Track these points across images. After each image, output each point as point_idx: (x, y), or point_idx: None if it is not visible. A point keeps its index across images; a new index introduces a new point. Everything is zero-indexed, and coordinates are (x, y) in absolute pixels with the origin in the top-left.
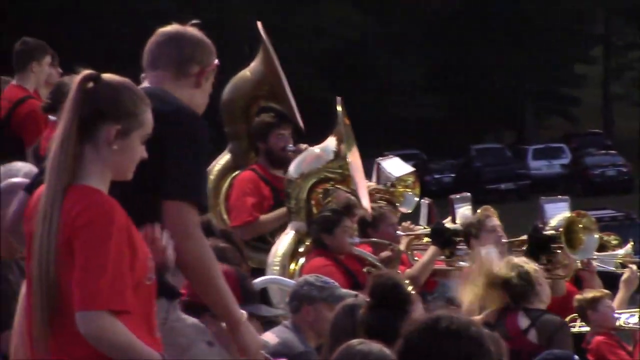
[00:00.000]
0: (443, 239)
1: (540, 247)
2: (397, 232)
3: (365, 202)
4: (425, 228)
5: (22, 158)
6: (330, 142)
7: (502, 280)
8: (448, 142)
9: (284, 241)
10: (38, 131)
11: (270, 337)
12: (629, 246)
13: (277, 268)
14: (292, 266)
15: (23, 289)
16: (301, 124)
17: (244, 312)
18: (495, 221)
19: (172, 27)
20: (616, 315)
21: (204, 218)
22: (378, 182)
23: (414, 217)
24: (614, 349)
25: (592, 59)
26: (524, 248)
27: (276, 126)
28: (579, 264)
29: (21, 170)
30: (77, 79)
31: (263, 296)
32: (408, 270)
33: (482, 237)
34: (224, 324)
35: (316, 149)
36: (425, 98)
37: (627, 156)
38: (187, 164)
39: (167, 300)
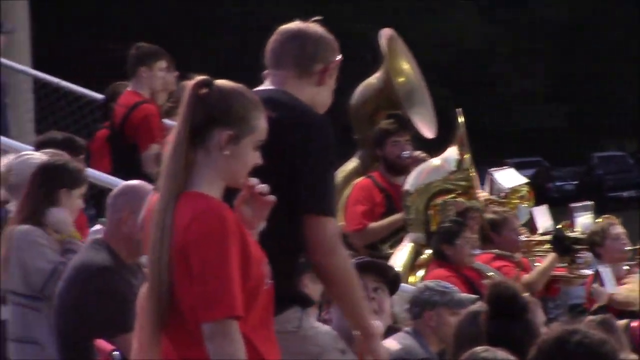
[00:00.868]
0: (563, 246)
1: None
2: (519, 237)
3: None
4: (543, 235)
5: (137, 163)
6: (452, 153)
7: None
8: (570, 150)
9: (403, 252)
10: (152, 136)
11: (391, 343)
12: None
13: None
14: (411, 279)
15: (142, 292)
16: (426, 132)
17: (379, 323)
18: (619, 229)
19: (294, 25)
20: None
21: None
22: (491, 192)
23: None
24: None
25: None
26: None
27: (392, 133)
28: None
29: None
30: (190, 84)
31: None
32: (526, 276)
33: (606, 245)
34: (357, 333)
35: (436, 160)
36: (547, 106)
37: None
38: (321, 174)
39: (301, 308)
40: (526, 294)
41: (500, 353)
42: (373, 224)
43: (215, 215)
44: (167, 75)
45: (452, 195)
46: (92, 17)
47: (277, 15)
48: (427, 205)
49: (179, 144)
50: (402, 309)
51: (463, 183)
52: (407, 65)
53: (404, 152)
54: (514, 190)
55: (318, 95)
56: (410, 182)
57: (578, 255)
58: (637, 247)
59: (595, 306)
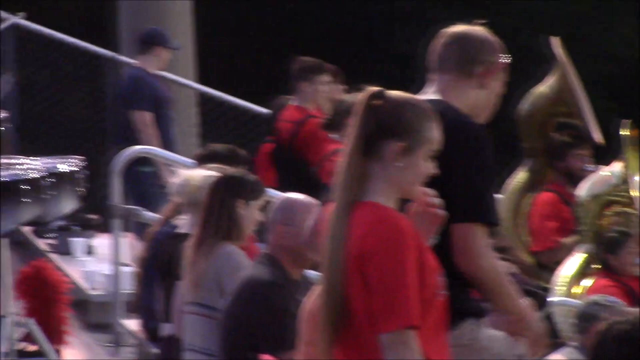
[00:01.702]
0: None
1: None
2: None
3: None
4: None
5: (307, 178)
6: (618, 165)
7: None
8: None
9: (573, 262)
10: (320, 150)
11: (558, 358)
12: None
13: (562, 289)
14: (575, 289)
15: (307, 306)
16: (600, 140)
17: (527, 301)
18: None
19: (458, 28)
20: None
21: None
22: None
23: None
24: None
25: None
26: None
27: (575, 146)
28: None
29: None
30: (362, 95)
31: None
32: None
33: None
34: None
35: (605, 171)
36: None
37: None
38: (474, 183)
39: (475, 319)
40: None
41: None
42: (565, 240)
43: (392, 224)
44: (331, 88)
45: (619, 207)
46: (255, 31)
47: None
48: (598, 216)
49: (352, 154)
50: (567, 323)
51: (626, 194)
52: (575, 76)
53: (587, 165)
54: None
55: (478, 99)
56: (582, 193)
57: None
58: None
59: None
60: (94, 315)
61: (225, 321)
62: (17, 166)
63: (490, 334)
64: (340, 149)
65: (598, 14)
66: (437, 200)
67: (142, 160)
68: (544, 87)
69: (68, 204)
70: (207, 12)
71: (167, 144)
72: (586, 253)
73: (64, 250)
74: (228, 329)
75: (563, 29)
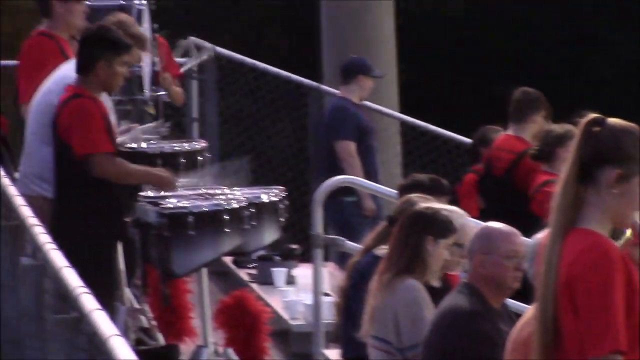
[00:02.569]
0: None
1: None
2: None
3: None
4: None
5: (520, 209)
6: None
7: None
8: None
9: None
10: (535, 181)
11: None
12: None
13: None
14: None
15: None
16: None
17: None
18: None
19: None
20: None
21: None
22: None
23: None
24: None
25: None
26: None
27: None
28: None
29: None
30: (582, 121)
31: None
32: None
33: None
34: None
35: None
36: None
37: None
38: None
39: None
40: None
41: None
42: None
43: (601, 250)
44: (545, 119)
45: None
46: (456, 60)
47: None
48: None
49: (568, 180)
50: None
51: None
52: None
53: None
54: None
55: None
56: None
57: None
58: None
59: None
60: (295, 345)
61: (425, 351)
62: (218, 196)
63: None
64: (552, 180)
65: None
66: None
67: (346, 190)
68: None
69: (269, 234)
70: (410, 42)
71: (370, 174)
72: None
73: (265, 280)
74: (429, 359)
75: None
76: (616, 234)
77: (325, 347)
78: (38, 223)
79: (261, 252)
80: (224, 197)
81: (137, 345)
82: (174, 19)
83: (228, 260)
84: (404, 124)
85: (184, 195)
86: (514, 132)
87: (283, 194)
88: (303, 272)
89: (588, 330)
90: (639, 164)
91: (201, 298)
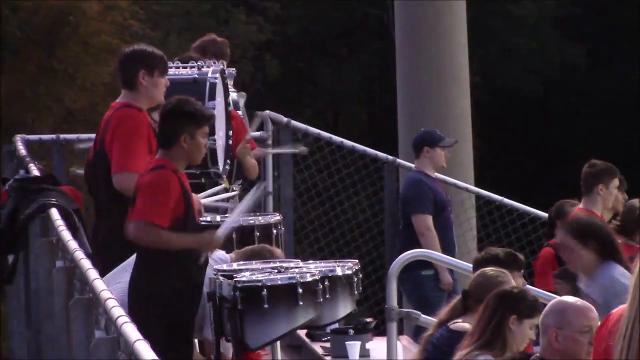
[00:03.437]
0: None
1: None
2: None
3: None
4: None
5: None
6: None
7: None
8: None
9: None
10: None
11: None
12: None
13: None
14: None
15: None
16: None
17: None
18: None
19: None
20: None
21: None
22: None
23: None
24: None
25: None
26: None
27: None
28: None
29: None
30: None
31: None
32: None
33: None
34: None
35: None
36: None
37: None
38: None
39: None
40: None
41: None
42: None
43: None
44: (618, 194)
45: None
46: (530, 135)
47: None
48: None
49: None
50: None
51: None
52: None
53: None
54: None
55: None
56: None
57: None
58: None
59: None
60: None
61: None
62: (293, 269)
63: None
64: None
65: None
66: None
67: (423, 264)
68: None
69: (344, 307)
70: (486, 118)
71: (447, 248)
72: None
73: (339, 353)
74: None
75: None
76: None
77: None
78: (112, 296)
79: (335, 326)
80: (297, 270)
81: None
82: (251, 94)
83: (302, 333)
84: (479, 197)
85: (258, 269)
86: (584, 204)
87: (357, 267)
88: (377, 346)
89: None
90: None
91: None
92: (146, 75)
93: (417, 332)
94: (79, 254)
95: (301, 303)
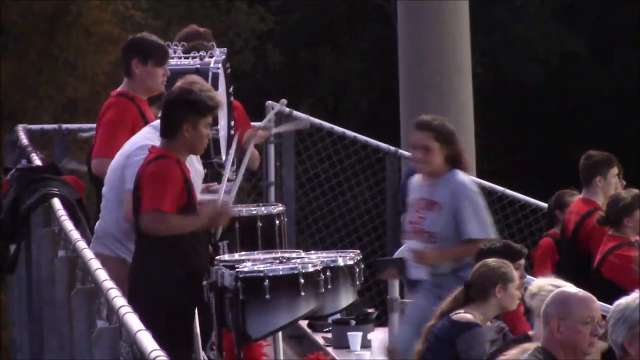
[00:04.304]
0: None
1: None
2: None
3: None
4: None
5: (588, 272)
6: None
7: None
8: None
9: None
10: (600, 244)
11: None
12: None
13: None
14: None
15: None
16: None
17: None
18: None
19: None
20: None
21: None
22: None
23: None
24: None
25: None
26: None
27: None
28: None
29: None
30: None
31: None
32: None
33: None
34: None
35: None
36: None
37: None
38: None
39: None
40: None
41: None
42: None
43: None
44: (618, 183)
45: None
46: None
47: None
48: None
49: None
50: None
51: None
52: None
53: None
54: None
55: None
56: None
57: None
58: None
59: None
60: None
61: None
62: (294, 260)
63: None
64: (620, 245)
65: None
66: None
67: None
68: None
69: (345, 298)
70: (487, 106)
71: None
72: None
73: (341, 344)
74: None
75: None
76: None
77: None
78: (114, 286)
79: (337, 316)
80: (299, 260)
81: None
82: (252, 83)
83: (304, 324)
84: (481, 188)
85: (260, 259)
86: (583, 195)
87: (359, 258)
88: (379, 336)
89: None
90: None
91: None
92: (139, 64)
93: None
94: (81, 244)
95: (303, 293)
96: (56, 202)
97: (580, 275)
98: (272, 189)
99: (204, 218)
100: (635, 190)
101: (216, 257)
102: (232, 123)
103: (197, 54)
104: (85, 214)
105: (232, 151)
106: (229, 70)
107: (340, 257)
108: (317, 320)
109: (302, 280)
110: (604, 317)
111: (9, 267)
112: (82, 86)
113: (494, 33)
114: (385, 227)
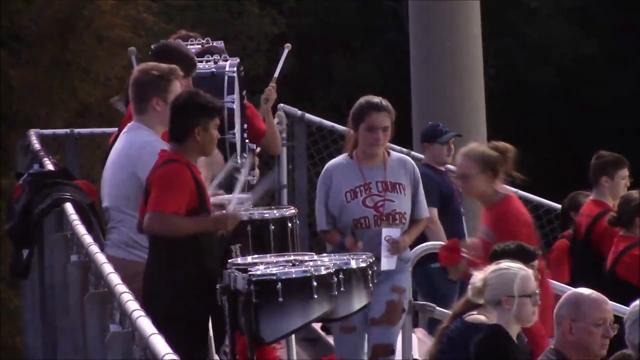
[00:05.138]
0: None
1: None
2: None
3: None
4: None
5: (602, 273)
6: None
7: None
8: None
9: None
10: (613, 245)
11: None
12: None
13: None
14: None
15: None
16: None
17: None
18: None
19: None
20: None
21: None
22: None
23: None
24: None
25: None
26: None
27: None
28: None
29: None
30: None
31: None
32: None
33: None
34: None
35: None
36: None
37: None
38: None
39: None
40: None
41: None
42: None
43: None
44: (627, 184)
45: None
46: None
47: None
48: None
49: None
50: None
51: None
52: None
53: None
54: None
55: None
56: None
57: None
58: None
59: None
60: None
61: None
62: (307, 263)
63: None
64: (633, 245)
65: None
66: None
67: (432, 257)
68: None
69: (358, 300)
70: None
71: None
72: None
73: None
74: None
75: None
76: None
77: None
78: (126, 290)
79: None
80: (312, 263)
81: None
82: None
83: (317, 326)
84: None
85: (273, 262)
86: (593, 196)
87: (371, 260)
88: None
89: None
90: None
91: None
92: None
93: (431, 325)
94: (94, 248)
95: (316, 296)
96: (68, 207)
97: (593, 277)
98: (285, 192)
99: (209, 220)
100: None
101: (229, 261)
102: (245, 126)
103: (210, 58)
104: (97, 218)
105: (247, 154)
106: (243, 73)
107: (353, 259)
108: (330, 323)
109: (315, 283)
110: (620, 318)
111: (22, 272)
112: (94, 91)
113: (507, 35)
114: None
